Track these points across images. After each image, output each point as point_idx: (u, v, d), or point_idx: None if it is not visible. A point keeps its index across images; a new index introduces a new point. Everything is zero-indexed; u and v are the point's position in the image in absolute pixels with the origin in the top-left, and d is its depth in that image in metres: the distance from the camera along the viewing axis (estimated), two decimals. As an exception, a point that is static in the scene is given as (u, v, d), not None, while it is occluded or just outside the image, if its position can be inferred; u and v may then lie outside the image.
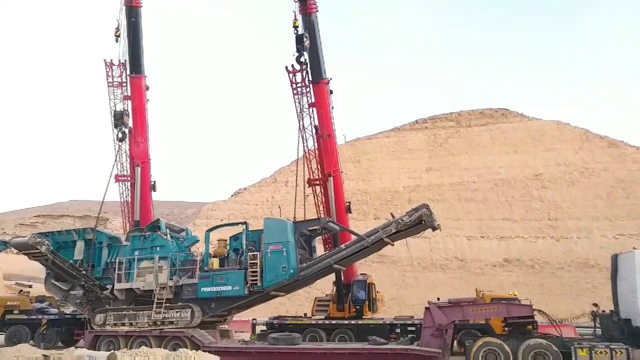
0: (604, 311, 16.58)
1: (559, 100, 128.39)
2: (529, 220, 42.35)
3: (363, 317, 21.60)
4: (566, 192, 42.26)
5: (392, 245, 17.53)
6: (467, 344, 15.38)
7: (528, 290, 35.05)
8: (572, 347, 14.64)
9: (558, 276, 39.31)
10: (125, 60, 24.92)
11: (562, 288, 38.41)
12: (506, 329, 16.35)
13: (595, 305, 17.65)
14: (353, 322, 21.01)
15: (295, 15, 22.39)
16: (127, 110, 24.84)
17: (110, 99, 25.56)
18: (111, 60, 25.64)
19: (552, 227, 41.58)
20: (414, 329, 19.71)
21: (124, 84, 25.34)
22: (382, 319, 21.73)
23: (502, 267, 41.06)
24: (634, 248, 15.79)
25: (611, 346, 14.45)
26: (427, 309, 15.82)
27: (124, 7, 24.51)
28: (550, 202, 42.33)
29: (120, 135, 24.79)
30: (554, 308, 26.75)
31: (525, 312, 15.69)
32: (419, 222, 16.50)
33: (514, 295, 19.79)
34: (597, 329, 16.64)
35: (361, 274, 23.52)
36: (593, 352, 14.44)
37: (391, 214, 18.65)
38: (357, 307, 21.77)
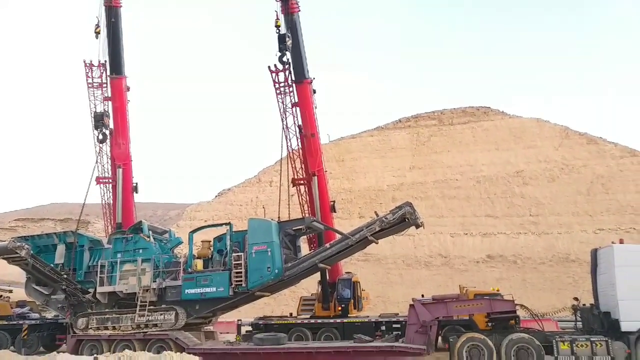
0: (584, 305, 16.85)
1: (541, 95, 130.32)
2: (511, 217, 42.89)
3: (348, 315, 21.71)
4: (547, 188, 42.88)
5: (377, 243, 17.64)
6: (451, 340, 15.54)
7: (511, 285, 35.59)
8: (554, 341, 14.89)
9: (540, 271, 39.92)
10: (106, 61, 24.58)
11: (544, 283, 39.05)
12: (489, 324, 16.52)
13: (576, 299, 17.98)
14: (338, 320, 21.11)
15: (277, 15, 22.39)
16: (108, 112, 24.49)
17: (90, 100, 25.08)
18: (91, 61, 25.19)
19: (534, 223, 42.17)
20: (399, 326, 19.86)
21: (104, 85, 24.94)
22: (368, 316, 21.86)
23: (485, 263, 41.55)
24: (612, 242, 16.08)
25: (591, 339, 14.73)
26: (411, 306, 15.97)
27: (103, 7, 24.21)
28: (531, 198, 42.92)
29: (100, 136, 24.41)
30: (536, 302, 27.20)
31: (507, 307, 15.91)
32: (403, 220, 16.69)
33: (497, 290, 20.12)
34: (578, 323, 16.94)
35: (346, 273, 23.59)
36: (574, 345, 14.71)
37: (375, 212, 18.75)
38: (343, 305, 21.87)
